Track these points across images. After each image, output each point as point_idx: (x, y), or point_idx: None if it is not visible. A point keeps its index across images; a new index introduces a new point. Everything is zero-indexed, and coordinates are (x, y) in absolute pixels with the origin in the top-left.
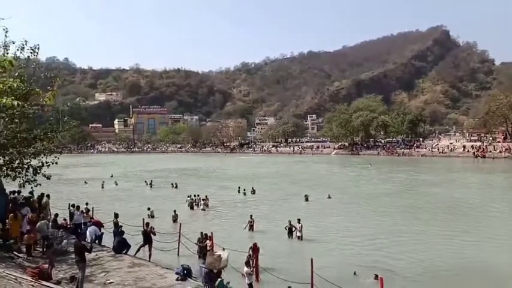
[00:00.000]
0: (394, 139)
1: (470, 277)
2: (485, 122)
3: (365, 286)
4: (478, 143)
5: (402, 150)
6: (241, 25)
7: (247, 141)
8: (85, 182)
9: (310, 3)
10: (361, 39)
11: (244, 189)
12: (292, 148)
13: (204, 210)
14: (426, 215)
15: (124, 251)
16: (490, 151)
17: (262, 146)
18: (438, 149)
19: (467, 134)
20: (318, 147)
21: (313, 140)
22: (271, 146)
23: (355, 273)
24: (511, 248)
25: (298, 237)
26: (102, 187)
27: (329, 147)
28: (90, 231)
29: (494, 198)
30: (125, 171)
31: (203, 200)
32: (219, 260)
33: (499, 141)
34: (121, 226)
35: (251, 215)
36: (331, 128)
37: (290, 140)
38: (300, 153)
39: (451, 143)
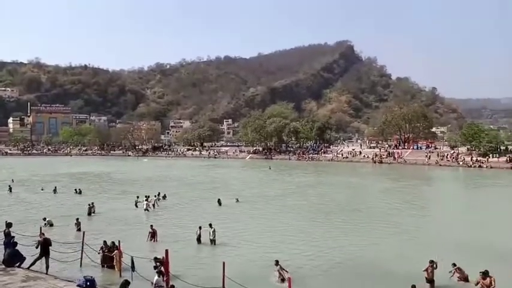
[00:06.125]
0: (305, 145)
1: (363, 272)
2: (382, 130)
3: (275, 287)
4: (376, 150)
5: (311, 155)
6: (156, 24)
7: (160, 145)
8: None
9: (228, 9)
10: (275, 48)
11: (159, 194)
12: (207, 152)
13: (149, 210)
14: (323, 214)
15: (17, 264)
16: (386, 157)
17: (177, 150)
18: (342, 155)
19: (367, 141)
20: (234, 151)
21: (229, 144)
22: (186, 149)
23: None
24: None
25: (211, 240)
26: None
27: (244, 151)
28: None
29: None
30: (20, 176)
31: (157, 199)
32: None
33: (394, 148)
34: (13, 237)
35: (151, 225)
36: (246, 133)
37: (206, 144)
38: (215, 157)
39: (353, 149)
